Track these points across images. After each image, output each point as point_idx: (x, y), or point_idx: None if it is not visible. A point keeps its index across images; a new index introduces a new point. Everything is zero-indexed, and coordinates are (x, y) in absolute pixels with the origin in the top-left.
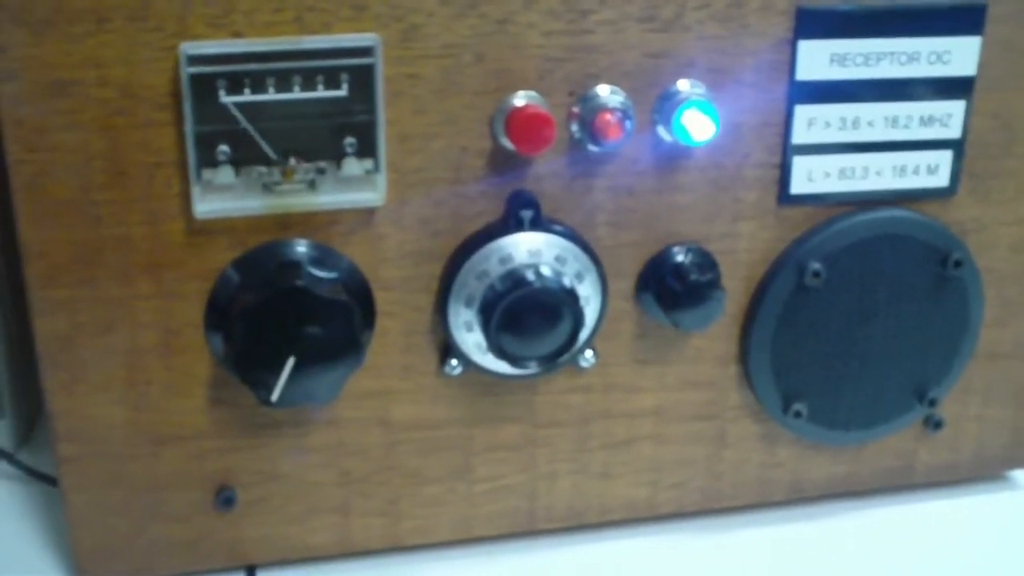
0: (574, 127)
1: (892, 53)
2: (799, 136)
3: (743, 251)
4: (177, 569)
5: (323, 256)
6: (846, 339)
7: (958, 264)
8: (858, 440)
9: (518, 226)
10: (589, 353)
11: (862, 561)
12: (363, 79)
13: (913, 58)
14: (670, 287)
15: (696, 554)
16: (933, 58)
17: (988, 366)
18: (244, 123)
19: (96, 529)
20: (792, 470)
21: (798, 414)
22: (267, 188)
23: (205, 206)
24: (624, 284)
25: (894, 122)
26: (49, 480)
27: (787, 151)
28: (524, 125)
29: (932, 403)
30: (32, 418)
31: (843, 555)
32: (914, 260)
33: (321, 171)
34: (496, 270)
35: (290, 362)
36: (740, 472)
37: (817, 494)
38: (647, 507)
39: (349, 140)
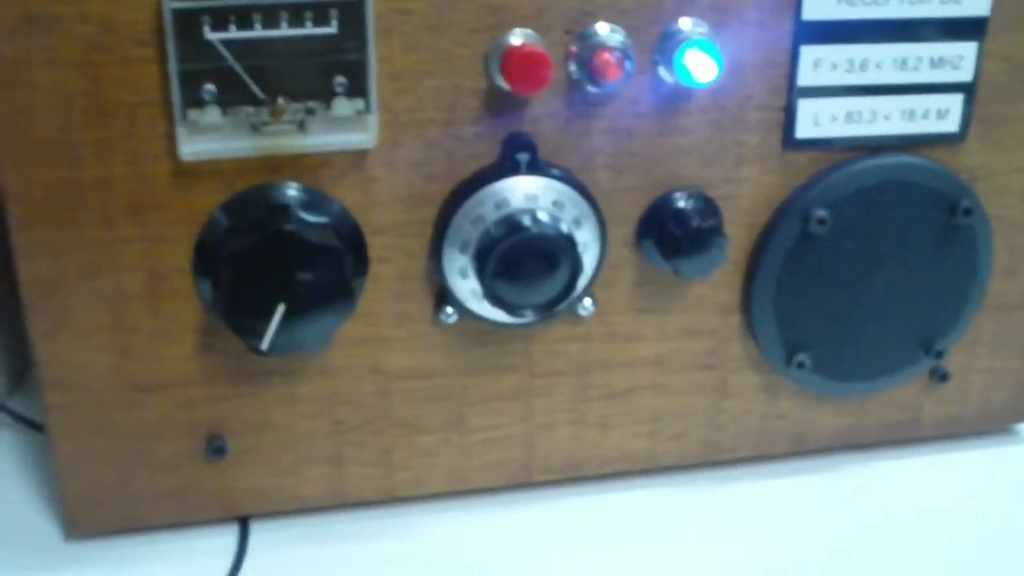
0: (572, 67)
1: None
2: (805, 78)
3: (746, 197)
4: (168, 519)
5: (313, 200)
6: (851, 288)
7: (967, 212)
8: (862, 392)
9: (514, 169)
10: (588, 301)
11: (865, 515)
12: (353, 15)
13: None
14: (671, 233)
15: (696, 507)
16: None
17: (996, 317)
18: (230, 61)
19: (84, 478)
20: (795, 422)
21: (801, 365)
22: (255, 129)
23: (191, 147)
24: (624, 230)
25: (903, 64)
26: (39, 428)
27: (792, 93)
28: (520, 64)
29: (939, 355)
30: (24, 365)
31: (846, 509)
32: (922, 207)
33: (311, 111)
34: (492, 215)
35: (280, 309)
36: (741, 424)
37: (820, 447)
38: (646, 459)
39: (339, 79)
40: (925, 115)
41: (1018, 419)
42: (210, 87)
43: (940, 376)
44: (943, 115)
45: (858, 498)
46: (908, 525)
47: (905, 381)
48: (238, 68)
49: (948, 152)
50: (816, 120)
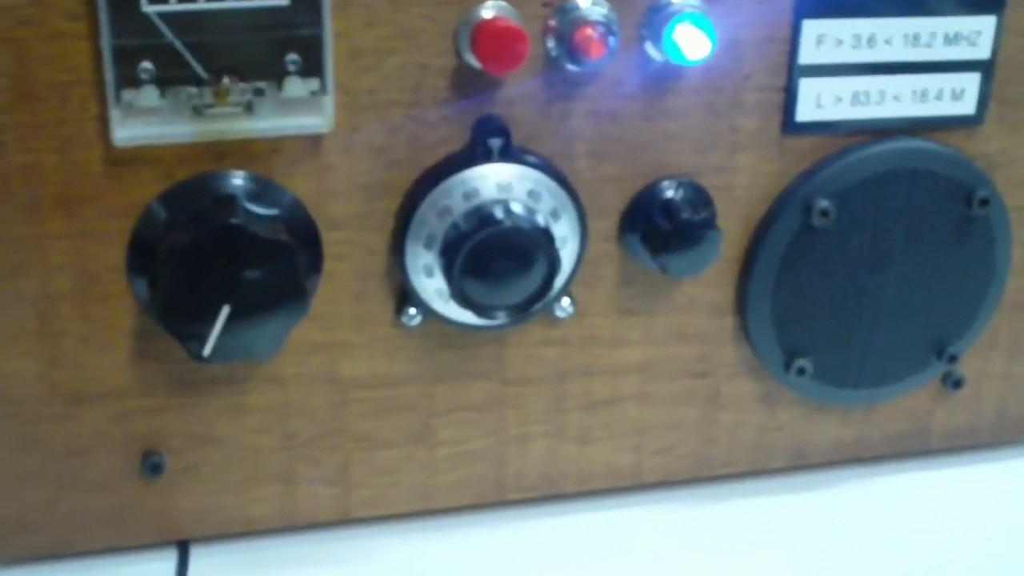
0: (550, 43)
1: None
2: (807, 55)
3: (741, 186)
4: (100, 544)
5: (262, 190)
6: (857, 287)
7: (984, 202)
8: (868, 400)
9: (485, 156)
10: (566, 301)
11: (871, 534)
12: None
13: None
14: (658, 227)
15: (686, 527)
16: None
17: (1015, 318)
18: (169, 36)
19: (8, 499)
20: (794, 434)
21: (801, 371)
22: (197, 112)
23: (126, 132)
24: (606, 223)
25: (915, 40)
26: None
27: (793, 72)
28: (493, 40)
29: (952, 359)
30: None
31: (850, 527)
32: (935, 198)
33: (259, 92)
34: (460, 206)
35: (224, 311)
36: (736, 436)
37: (822, 460)
38: (631, 475)
39: (291, 57)
40: (938, 96)
41: None
42: (147, 65)
43: (953, 382)
44: (958, 96)
45: (863, 516)
46: (917, 545)
47: (915, 388)
48: (178, 44)
49: (963, 137)
50: (819, 102)
